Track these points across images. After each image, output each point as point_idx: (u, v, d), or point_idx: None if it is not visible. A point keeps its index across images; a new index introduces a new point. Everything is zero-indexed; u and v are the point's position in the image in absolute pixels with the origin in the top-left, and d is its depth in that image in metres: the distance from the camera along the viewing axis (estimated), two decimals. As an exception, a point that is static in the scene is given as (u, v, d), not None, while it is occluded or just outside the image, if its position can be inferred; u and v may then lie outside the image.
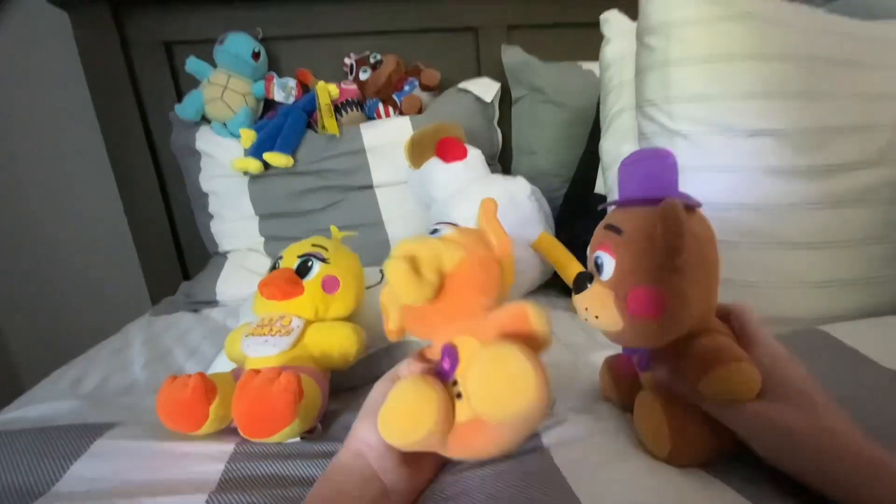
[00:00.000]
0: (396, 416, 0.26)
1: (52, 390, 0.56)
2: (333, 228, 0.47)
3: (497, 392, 0.23)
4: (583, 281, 0.32)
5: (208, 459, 0.35)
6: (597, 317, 0.30)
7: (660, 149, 0.30)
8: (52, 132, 1.02)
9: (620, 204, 0.31)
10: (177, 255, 1.01)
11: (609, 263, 0.30)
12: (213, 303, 0.85)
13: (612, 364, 0.39)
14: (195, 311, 0.84)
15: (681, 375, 0.29)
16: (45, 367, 0.66)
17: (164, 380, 0.38)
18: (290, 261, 0.44)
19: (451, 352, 0.29)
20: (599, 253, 0.30)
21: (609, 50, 0.73)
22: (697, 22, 0.54)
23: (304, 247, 0.45)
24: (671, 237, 0.26)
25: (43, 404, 0.49)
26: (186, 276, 1.02)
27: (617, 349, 0.41)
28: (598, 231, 0.32)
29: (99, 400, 0.52)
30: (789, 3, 0.57)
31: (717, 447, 0.30)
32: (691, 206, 0.29)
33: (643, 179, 0.30)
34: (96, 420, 0.44)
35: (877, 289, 0.53)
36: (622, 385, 0.37)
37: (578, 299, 0.32)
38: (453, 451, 0.28)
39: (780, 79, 0.53)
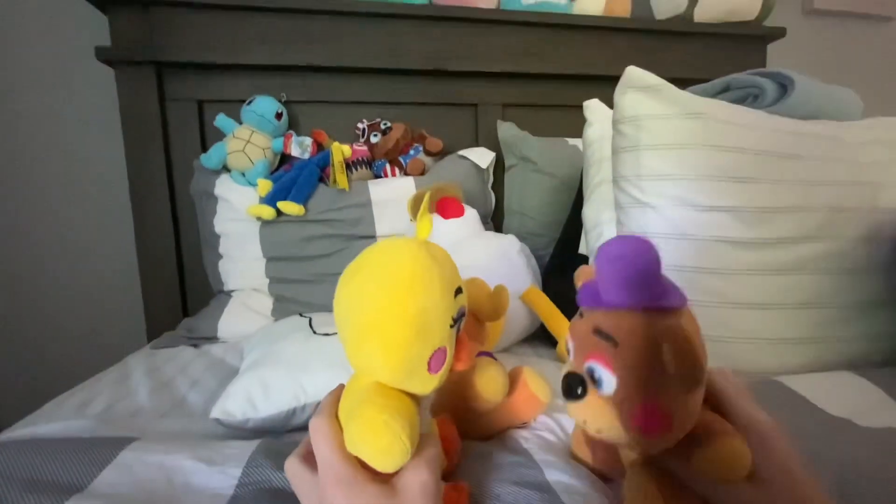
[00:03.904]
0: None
1: (57, 412, 0.56)
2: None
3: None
4: (573, 387, 0.29)
5: (223, 476, 0.37)
6: (598, 430, 0.29)
7: (639, 239, 0.27)
8: (77, 165, 1.10)
9: (605, 305, 0.29)
10: (180, 295, 1.05)
11: (609, 380, 0.28)
12: (213, 339, 0.88)
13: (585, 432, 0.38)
14: (195, 346, 0.86)
15: (673, 453, 0.28)
16: (26, 400, 0.64)
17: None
18: (444, 306, 0.30)
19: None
20: (595, 365, 0.28)
21: (591, 131, 0.85)
22: (660, 117, 0.65)
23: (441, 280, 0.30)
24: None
25: (52, 423, 0.50)
26: (185, 316, 1.05)
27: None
28: (587, 336, 0.29)
29: (109, 421, 0.53)
30: (737, 105, 0.69)
31: None
32: (677, 307, 0.28)
33: (627, 280, 0.27)
34: (113, 435, 0.46)
35: (821, 348, 0.60)
36: (599, 451, 0.37)
37: (575, 409, 0.30)
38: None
39: (730, 166, 0.63)
